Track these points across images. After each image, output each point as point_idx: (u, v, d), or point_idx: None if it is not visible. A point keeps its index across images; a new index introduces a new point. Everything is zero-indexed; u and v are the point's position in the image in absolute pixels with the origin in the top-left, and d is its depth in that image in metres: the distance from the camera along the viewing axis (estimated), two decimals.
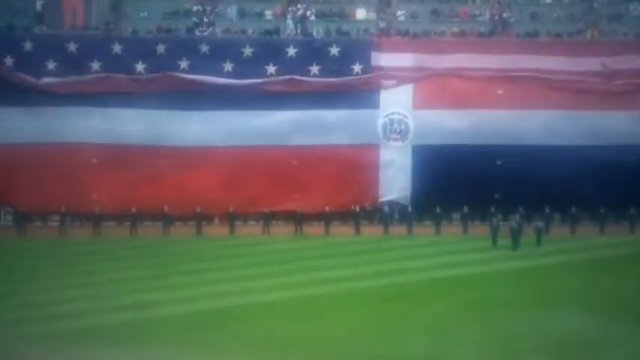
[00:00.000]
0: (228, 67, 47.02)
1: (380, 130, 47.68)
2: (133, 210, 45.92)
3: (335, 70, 47.54)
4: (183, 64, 46.73)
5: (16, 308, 33.00)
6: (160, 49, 46.84)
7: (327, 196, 46.97)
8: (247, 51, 47.20)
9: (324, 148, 47.19)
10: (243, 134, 46.70)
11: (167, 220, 46.00)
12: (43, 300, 34.08)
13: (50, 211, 46.52)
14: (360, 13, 51.76)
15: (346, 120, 47.23)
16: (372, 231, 46.42)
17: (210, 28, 49.36)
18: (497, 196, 46.60)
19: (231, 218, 46.38)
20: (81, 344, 29.10)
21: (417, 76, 47.48)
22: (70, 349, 28.70)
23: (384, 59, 47.86)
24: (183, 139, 46.56)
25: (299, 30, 49.71)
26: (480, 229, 45.73)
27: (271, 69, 47.23)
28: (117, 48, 46.82)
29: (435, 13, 51.81)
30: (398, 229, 46.55)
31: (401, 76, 47.47)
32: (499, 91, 47.62)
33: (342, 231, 46.34)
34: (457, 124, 47.08)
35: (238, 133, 46.67)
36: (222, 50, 47.29)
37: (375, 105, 47.54)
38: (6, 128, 45.86)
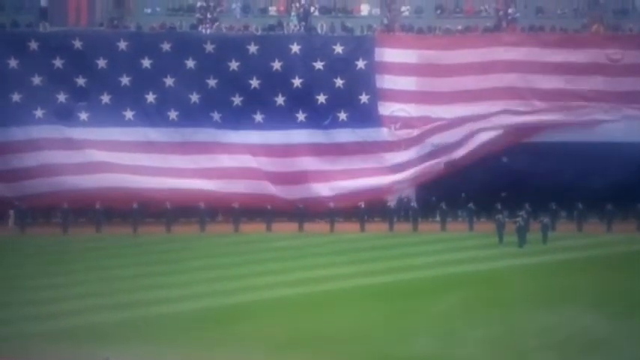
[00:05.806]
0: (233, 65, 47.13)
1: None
2: (135, 206, 45.77)
3: (339, 68, 47.40)
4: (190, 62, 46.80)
5: (20, 306, 32.84)
6: (166, 46, 46.83)
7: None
8: (252, 48, 47.13)
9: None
10: None
11: (169, 216, 45.82)
12: (45, 298, 33.91)
13: None
14: (364, 9, 51.54)
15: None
16: (377, 228, 46.19)
17: (217, 23, 49.21)
18: (503, 192, 46.39)
19: (235, 215, 46.17)
20: (84, 342, 28.93)
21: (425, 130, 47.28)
22: (73, 347, 28.53)
23: (387, 55, 47.70)
24: None
25: (302, 26, 49.56)
26: (485, 226, 45.50)
27: (276, 65, 47.16)
28: (122, 45, 46.82)
29: (440, 9, 51.55)
30: (403, 226, 46.33)
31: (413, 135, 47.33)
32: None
33: (347, 228, 46.15)
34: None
35: None
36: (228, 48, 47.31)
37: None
38: None
